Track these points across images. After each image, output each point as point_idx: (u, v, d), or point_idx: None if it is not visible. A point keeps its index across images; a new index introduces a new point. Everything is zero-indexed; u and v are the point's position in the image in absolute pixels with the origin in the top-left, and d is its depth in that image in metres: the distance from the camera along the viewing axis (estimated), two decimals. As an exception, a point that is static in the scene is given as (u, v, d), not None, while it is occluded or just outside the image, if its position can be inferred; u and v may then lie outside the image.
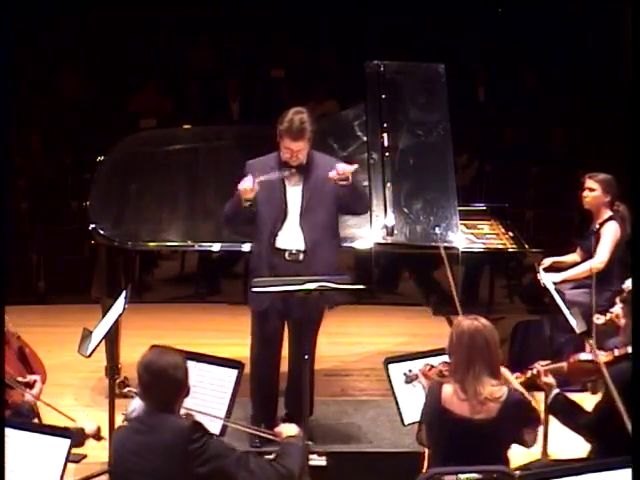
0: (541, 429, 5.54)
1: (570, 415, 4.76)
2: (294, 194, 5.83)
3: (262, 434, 4.54)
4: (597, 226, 7.01)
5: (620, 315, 5.01)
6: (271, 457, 4.28)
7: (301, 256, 5.79)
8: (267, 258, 5.78)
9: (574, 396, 5.01)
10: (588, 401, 5.01)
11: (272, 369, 5.98)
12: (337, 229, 5.97)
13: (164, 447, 3.98)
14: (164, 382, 4.04)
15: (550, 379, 4.87)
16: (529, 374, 4.88)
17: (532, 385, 5.08)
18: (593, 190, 7.02)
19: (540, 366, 4.89)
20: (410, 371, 4.90)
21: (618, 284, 6.57)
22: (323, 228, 5.86)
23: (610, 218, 6.97)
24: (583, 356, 4.93)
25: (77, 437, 4.72)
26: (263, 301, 5.73)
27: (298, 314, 5.65)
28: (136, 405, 4.18)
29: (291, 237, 5.82)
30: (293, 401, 5.94)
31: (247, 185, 5.69)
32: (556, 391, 4.82)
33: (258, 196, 5.80)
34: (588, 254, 6.99)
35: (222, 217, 6.00)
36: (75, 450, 4.64)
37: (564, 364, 4.89)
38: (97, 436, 5.03)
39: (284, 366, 6.09)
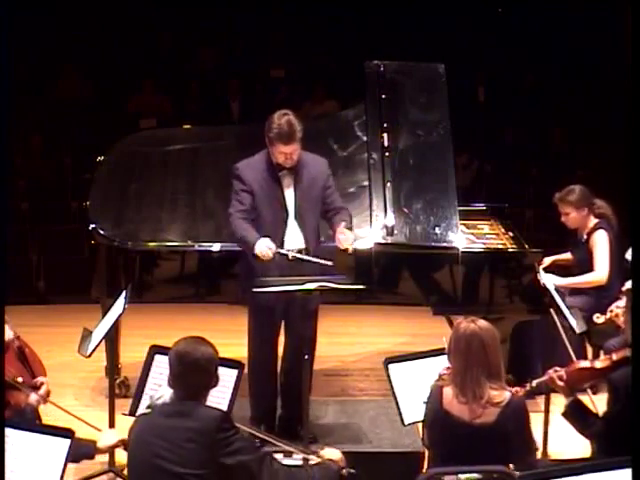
0: (541, 430, 5.58)
1: (584, 423, 4.73)
2: (290, 195, 5.83)
3: (304, 453, 4.50)
4: (585, 237, 6.98)
5: (620, 314, 5.01)
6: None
7: (304, 254, 5.78)
8: (274, 260, 5.75)
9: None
10: (588, 401, 5.01)
11: (271, 368, 5.98)
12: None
13: (193, 432, 4.03)
14: (196, 373, 4.14)
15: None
16: (528, 387, 4.84)
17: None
18: (568, 213, 6.98)
19: (554, 372, 4.85)
20: None
21: (617, 289, 6.60)
22: (312, 228, 5.88)
23: (596, 226, 6.92)
24: (582, 364, 4.91)
25: (89, 450, 4.70)
26: (267, 299, 5.73)
27: (295, 313, 5.65)
28: (163, 393, 4.24)
29: (292, 237, 5.83)
30: (291, 401, 5.93)
31: (267, 253, 5.60)
32: (571, 398, 4.79)
33: (257, 197, 5.79)
34: (580, 263, 6.97)
35: (231, 235, 5.92)
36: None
37: (563, 373, 4.85)
38: (122, 446, 4.68)
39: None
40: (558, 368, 4.86)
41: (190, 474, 4.01)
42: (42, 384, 5.26)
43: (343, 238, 5.72)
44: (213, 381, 4.22)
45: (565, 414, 4.80)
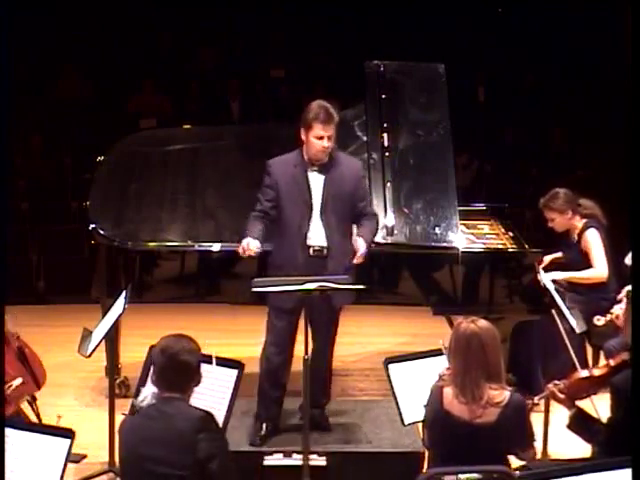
0: (541, 430, 5.57)
1: (590, 433, 4.72)
2: (317, 193, 5.79)
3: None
4: (576, 237, 6.98)
5: (620, 316, 5.00)
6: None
7: (325, 252, 5.76)
8: (295, 254, 5.73)
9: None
10: (589, 404, 5.01)
11: (284, 367, 5.95)
12: (351, 230, 5.92)
13: (178, 435, 4.04)
14: (178, 365, 4.15)
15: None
16: (530, 404, 4.83)
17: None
18: (553, 219, 6.98)
19: (553, 385, 4.85)
20: None
21: (612, 288, 6.60)
22: (339, 227, 5.82)
23: (586, 226, 6.92)
24: (581, 374, 4.90)
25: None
26: (284, 301, 5.68)
27: (315, 312, 5.62)
28: (146, 394, 4.23)
29: (315, 234, 5.78)
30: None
31: (252, 248, 5.62)
32: (574, 410, 4.79)
33: (282, 192, 5.76)
34: (572, 263, 6.97)
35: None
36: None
37: (562, 385, 4.84)
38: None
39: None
40: (557, 382, 4.85)
41: (173, 475, 4.01)
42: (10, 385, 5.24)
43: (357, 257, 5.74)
44: (196, 377, 4.23)
45: (570, 426, 4.78)
